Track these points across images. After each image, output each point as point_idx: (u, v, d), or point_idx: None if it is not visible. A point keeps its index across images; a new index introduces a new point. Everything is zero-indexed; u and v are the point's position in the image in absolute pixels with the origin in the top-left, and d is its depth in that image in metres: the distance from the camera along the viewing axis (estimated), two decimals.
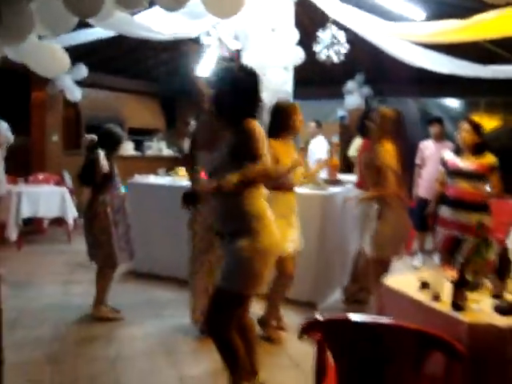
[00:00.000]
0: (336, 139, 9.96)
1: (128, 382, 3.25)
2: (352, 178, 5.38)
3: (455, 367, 1.95)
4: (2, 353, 2.71)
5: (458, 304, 2.26)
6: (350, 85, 9.29)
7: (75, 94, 8.42)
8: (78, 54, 6.33)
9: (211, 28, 5.23)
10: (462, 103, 11.38)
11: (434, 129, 6.51)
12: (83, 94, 8.60)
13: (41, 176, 7.96)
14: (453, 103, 11.45)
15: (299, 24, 5.65)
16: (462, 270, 2.31)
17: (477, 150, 4.12)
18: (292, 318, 4.06)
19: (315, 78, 9.39)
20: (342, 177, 5.55)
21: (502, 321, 2.16)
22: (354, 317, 1.97)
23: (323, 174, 6.26)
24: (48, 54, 3.48)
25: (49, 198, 7.04)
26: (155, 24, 4.34)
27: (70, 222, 7.16)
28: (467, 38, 4.18)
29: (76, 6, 2.44)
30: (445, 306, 2.32)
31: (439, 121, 6.58)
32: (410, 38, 4.89)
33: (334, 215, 4.64)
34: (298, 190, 4.23)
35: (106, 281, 4.31)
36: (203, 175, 3.49)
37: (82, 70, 8.06)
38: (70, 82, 8.23)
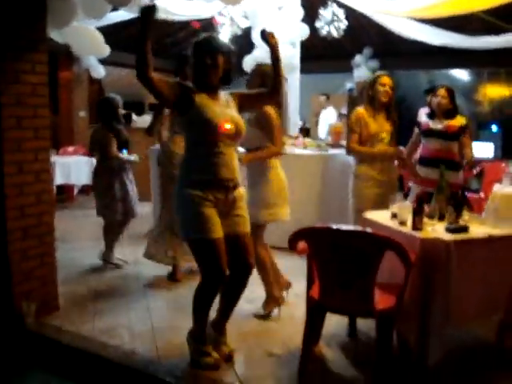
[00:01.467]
0: (344, 110, 10.54)
1: (155, 303, 4.00)
2: None
3: (410, 270, 2.58)
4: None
5: (416, 226, 2.88)
6: (358, 58, 9.76)
7: (99, 71, 8.98)
8: (101, 33, 6.88)
9: (223, 8, 5.78)
10: (468, 74, 11.76)
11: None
12: (106, 72, 9.17)
13: (70, 148, 8.64)
14: (460, 74, 11.82)
15: (305, 2, 6.17)
16: (419, 201, 2.92)
17: (449, 114, 4.37)
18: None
19: (325, 53, 9.89)
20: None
21: (448, 236, 2.77)
22: (333, 226, 2.63)
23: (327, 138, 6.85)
24: (88, 35, 4.06)
25: (79, 166, 7.73)
26: (173, 6, 4.93)
27: None
28: (448, 11, 4.67)
29: None
30: (407, 228, 2.94)
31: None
32: (401, 14, 5.39)
33: (333, 173, 5.22)
34: (302, 151, 4.86)
35: (116, 233, 4.94)
36: None
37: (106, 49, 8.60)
38: (95, 61, 8.79)
